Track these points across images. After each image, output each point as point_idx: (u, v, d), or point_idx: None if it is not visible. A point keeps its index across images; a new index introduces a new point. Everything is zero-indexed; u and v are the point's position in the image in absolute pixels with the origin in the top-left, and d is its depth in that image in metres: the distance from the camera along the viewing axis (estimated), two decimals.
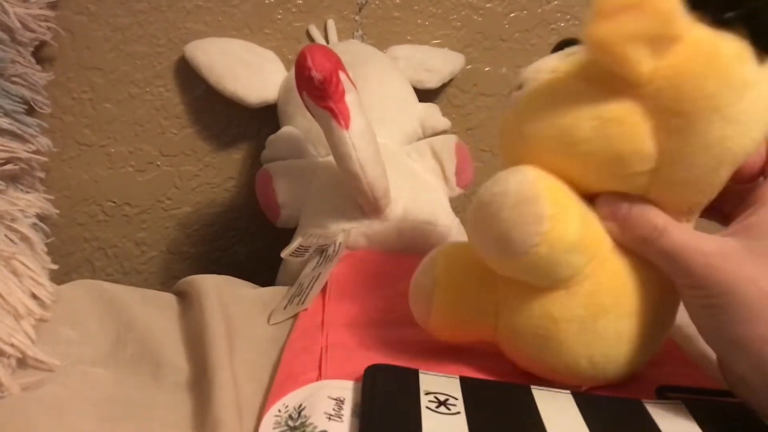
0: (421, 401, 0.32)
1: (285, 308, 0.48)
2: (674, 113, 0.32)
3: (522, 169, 0.34)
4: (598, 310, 0.35)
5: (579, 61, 0.34)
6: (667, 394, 0.35)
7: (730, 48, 0.32)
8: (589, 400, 0.34)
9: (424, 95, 0.73)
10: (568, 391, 0.35)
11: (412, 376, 0.35)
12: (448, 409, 0.32)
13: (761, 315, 0.31)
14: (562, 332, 0.35)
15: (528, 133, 0.35)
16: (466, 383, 0.34)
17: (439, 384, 0.34)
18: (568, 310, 0.35)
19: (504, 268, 0.35)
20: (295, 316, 0.46)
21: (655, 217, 0.34)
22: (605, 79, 0.33)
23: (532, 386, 0.35)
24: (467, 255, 0.38)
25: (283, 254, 0.54)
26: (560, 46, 0.37)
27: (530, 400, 0.34)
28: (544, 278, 0.35)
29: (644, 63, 0.31)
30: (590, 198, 0.36)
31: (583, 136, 0.33)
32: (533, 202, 0.32)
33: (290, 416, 0.33)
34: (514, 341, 0.38)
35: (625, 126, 0.33)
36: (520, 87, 0.36)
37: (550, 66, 0.35)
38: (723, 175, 0.34)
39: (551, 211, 0.32)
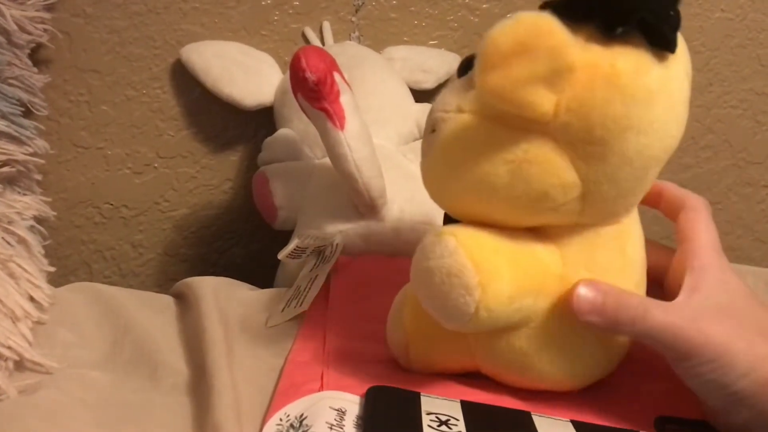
0: (422, 420, 0.32)
1: (282, 311, 0.48)
2: (587, 142, 0.32)
3: (443, 237, 0.33)
4: (565, 334, 0.36)
5: (482, 100, 0.33)
6: (665, 426, 0.35)
7: (627, 63, 0.31)
8: (589, 429, 0.34)
9: (421, 96, 0.73)
10: (568, 420, 0.35)
11: (414, 398, 0.35)
12: (450, 428, 0.32)
13: (754, 366, 0.32)
14: (537, 362, 0.36)
15: (448, 186, 0.35)
16: (467, 406, 0.35)
17: (440, 406, 0.34)
18: (536, 342, 0.36)
19: (457, 329, 0.35)
20: (298, 323, 0.46)
21: (631, 300, 0.34)
22: (511, 119, 0.32)
23: (532, 413, 0.35)
24: None
25: (280, 256, 0.54)
26: (464, 67, 0.36)
27: (531, 425, 0.34)
28: (495, 329, 0.35)
29: (544, 102, 0.31)
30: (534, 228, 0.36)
31: (501, 182, 0.33)
32: (458, 275, 0.32)
33: (291, 425, 0.33)
34: (496, 373, 0.38)
35: (541, 164, 0.32)
36: (433, 130, 0.36)
37: (455, 103, 0.35)
38: (651, 176, 0.34)
39: (477, 278, 0.32)
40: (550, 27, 0.30)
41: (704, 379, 0.33)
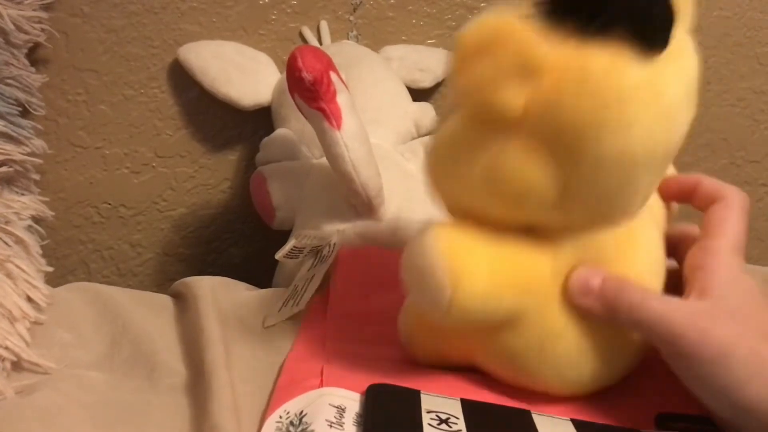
0: (422, 419, 0.33)
1: (280, 311, 0.48)
2: (558, 141, 0.31)
3: (423, 237, 0.34)
4: (553, 336, 0.35)
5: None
6: (666, 423, 0.35)
7: (599, 62, 0.30)
8: (589, 428, 0.34)
9: (420, 95, 0.73)
10: (568, 419, 0.35)
11: (414, 396, 0.35)
12: (450, 426, 0.32)
13: (759, 371, 0.30)
14: (525, 362, 0.36)
15: (436, 184, 0.37)
16: (467, 405, 0.35)
17: (440, 404, 0.34)
18: (523, 342, 0.36)
19: (443, 324, 0.36)
20: (297, 322, 0.46)
21: (629, 287, 0.34)
22: (487, 119, 0.32)
23: (532, 412, 0.35)
24: None
25: (278, 256, 0.54)
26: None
27: (531, 424, 0.34)
28: (481, 324, 0.35)
29: (513, 101, 0.30)
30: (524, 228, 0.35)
31: (478, 185, 0.33)
32: (430, 275, 0.33)
33: (291, 422, 0.33)
34: (493, 370, 0.38)
35: (514, 166, 0.32)
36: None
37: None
38: (643, 179, 0.33)
39: (448, 278, 0.32)
40: (512, 26, 0.30)
41: (705, 384, 0.32)
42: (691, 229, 0.39)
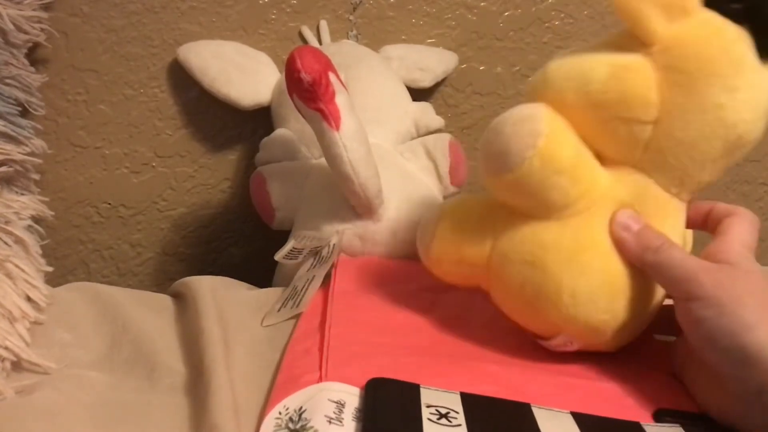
0: (422, 413, 0.33)
1: (279, 311, 0.48)
2: (678, 70, 0.37)
3: (528, 103, 0.38)
4: (585, 243, 0.38)
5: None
6: (665, 418, 0.35)
7: (734, 29, 0.37)
8: (589, 421, 0.34)
9: (419, 94, 0.73)
10: (568, 412, 0.35)
11: (414, 390, 0.35)
12: (450, 421, 0.32)
13: (763, 320, 0.32)
14: (550, 260, 0.38)
15: (550, 76, 0.39)
16: (466, 399, 0.35)
17: (440, 398, 0.34)
18: (557, 238, 0.38)
19: (501, 184, 0.39)
20: (297, 319, 0.46)
21: (663, 235, 0.38)
22: (624, 43, 0.38)
23: (532, 405, 0.35)
24: (473, 198, 0.43)
25: (277, 257, 0.54)
26: None
27: (531, 417, 0.34)
28: (536, 198, 0.38)
29: (657, 24, 0.37)
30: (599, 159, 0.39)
31: (598, 77, 0.38)
32: (531, 120, 0.37)
33: (291, 419, 0.33)
34: (503, 272, 0.40)
35: (635, 72, 0.37)
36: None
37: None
38: (715, 148, 0.37)
39: (547, 129, 0.37)
40: None
41: (710, 326, 0.34)
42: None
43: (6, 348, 0.41)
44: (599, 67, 0.38)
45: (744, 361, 0.33)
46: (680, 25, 0.37)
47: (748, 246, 0.37)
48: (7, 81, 0.58)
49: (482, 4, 0.75)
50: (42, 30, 0.63)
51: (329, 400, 0.34)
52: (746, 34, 0.37)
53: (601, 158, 0.39)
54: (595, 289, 0.38)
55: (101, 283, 0.56)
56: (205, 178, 0.74)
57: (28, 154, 0.59)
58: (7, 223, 0.53)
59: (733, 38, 0.37)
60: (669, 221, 0.39)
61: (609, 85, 0.38)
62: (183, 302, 0.50)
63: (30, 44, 0.62)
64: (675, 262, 0.36)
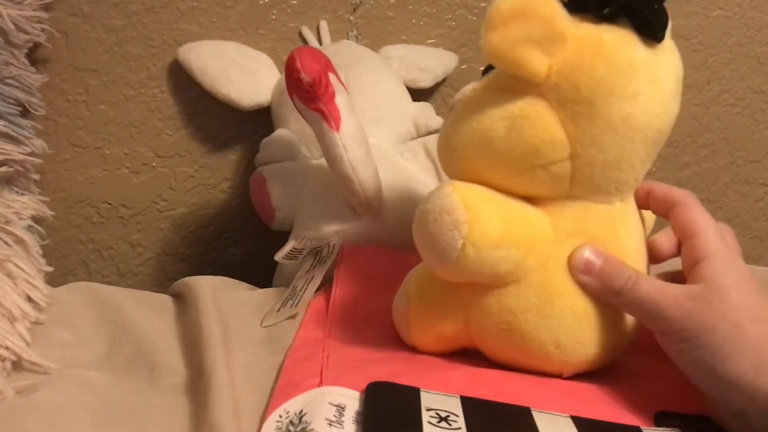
0: (422, 416, 0.33)
1: (278, 311, 0.48)
2: (574, 102, 0.36)
3: (443, 186, 0.37)
4: (551, 295, 0.38)
5: (490, 77, 0.39)
6: (665, 421, 0.35)
7: (612, 37, 0.36)
8: (589, 425, 0.34)
9: (420, 95, 0.73)
10: (568, 416, 0.35)
11: (414, 394, 0.35)
12: (449, 424, 0.32)
13: (742, 347, 0.33)
14: (522, 323, 0.38)
15: (454, 144, 0.39)
16: (466, 402, 0.35)
17: (440, 402, 0.34)
18: (523, 301, 0.38)
19: (448, 273, 0.38)
20: (298, 323, 0.46)
21: (626, 269, 0.37)
22: (510, 85, 0.37)
23: (532, 409, 0.35)
24: (433, 275, 0.40)
25: (277, 257, 0.54)
26: (486, 70, 0.41)
27: (530, 421, 0.34)
28: (485, 275, 0.37)
29: (537, 62, 0.35)
30: (528, 199, 0.39)
31: (498, 135, 0.37)
32: (449, 211, 0.36)
33: (291, 422, 0.33)
34: (485, 340, 0.40)
35: (533, 119, 0.36)
36: (451, 110, 0.40)
37: (471, 87, 0.40)
38: (639, 152, 0.37)
39: (466, 216, 0.35)
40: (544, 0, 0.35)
41: (690, 358, 0.34)
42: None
43: (6, 348, 0.41)
44: (495, 124, 0.37)
45: (725, 388, 0.33)
46: (561, 53, 0.35)
47: (720, 235, 0.37)
48: (8, 81, 0.58)
49: (482, 4, 0.75)
50: (42, 30, 0.63)
51: (330, 403, 0.34)
52: (624, 30, 0.36)
53: (532, 199, 0.39)
54: (577, 333, 0.38)
55: (101, 283, 0.56)
56: (205, 178, 0.74)
57: (28, 154, 0.59)
58: (7, 223, 0.53)
59: (614, 49, 0.36)
60: (621, 231, 0.39)
61: (511, 140, 0.37)
62: (183, 302, 0.50)
63: (30, 44, 0.62)
64: (640, 299, 0.36)
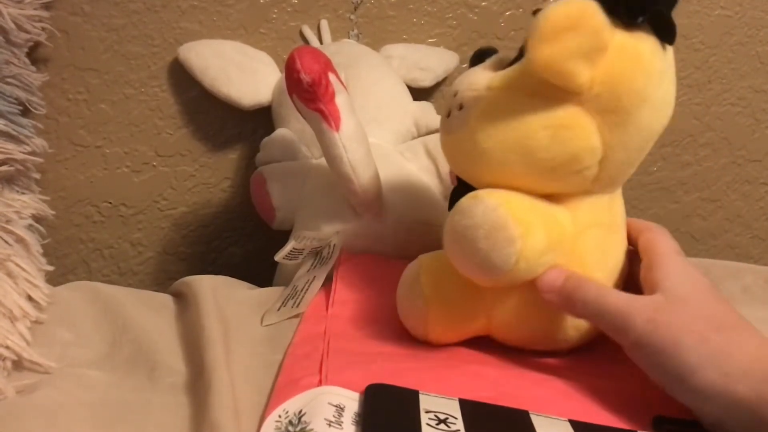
0: (421, 418, 0.33)
1: (279, 310, 0.48)
2: (614, 111, 0.37)
3: (482, 198, 0.37)
4: None
5: (511, 77, 0.38)
6: (663, 425, 0.35)
7: (647, 46, 0.37)
8: (587, 429, 0.34)
9: (420, 94, 0.73)
10: (566, 419, 0.35)
11: (412, 396, 0.35)
12: (448, 427, 0.32)
13: (708, 359, 0.33)
14: (546, 313, 0.40)
15: (486, 149, 0.39)
16: (465, 405, 0.35)
17: (438, 404, 0.34)
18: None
19: (493, 284, 0.39)
20: (298, 322, 0.46)
21: (589, 286, 0.37)
22: (547, 92, 0.37)
23: (530, 412, 0.35)
24: (448, 267, 0.40)
25: (277, 258, 0.54)
26: (477, 57, 0.42)
27: (529, 424, 0.34)
28: (526, 280, 0.38)
29: (583, 74, 0.36)
30: (549, 196, 0.40)
31: (540, 145, 0.37)
32: (503, 228, 0.36)
33: (290, 422, 0.33)
34: (508, 332, 0.42)
35: (575, 129, 0.37)
36: (460, 107, 0.40)
37: (484, 83, 0.39)
38: (649, 148, 0.40)
39: (519, 231, 0.36)
40: (594, 10, 0.35)
41: (657, 371, 0.35)
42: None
43: (7, 347, 0.41)
44: (537, 134, 0.37)
45: (698, 399, 0.33)
46: (602, 64, 0.36)
47: (680, 251, 0.39)
48: (8, 80, 0.58)
49: (483, 3, 0.75)
50: (43, 29, 0.63)
51: (329, 403, 0.34)
52: (651, 38, 0.37)
53: (552, 196, 0.40)
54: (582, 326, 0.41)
55: (102, 282, 0.56)
56: (205, 177, 0.74)
57: (28, 153, 0.59)
58: (7, 222, 0.53)
59: (649, 59, 0.37)
60: (618, 216, 0.42)
61: (554, 150, 0.37)
62: (183, 301, 0.50)
63: (31, 43, 0.62)
64: (607, 311, 0.36)
